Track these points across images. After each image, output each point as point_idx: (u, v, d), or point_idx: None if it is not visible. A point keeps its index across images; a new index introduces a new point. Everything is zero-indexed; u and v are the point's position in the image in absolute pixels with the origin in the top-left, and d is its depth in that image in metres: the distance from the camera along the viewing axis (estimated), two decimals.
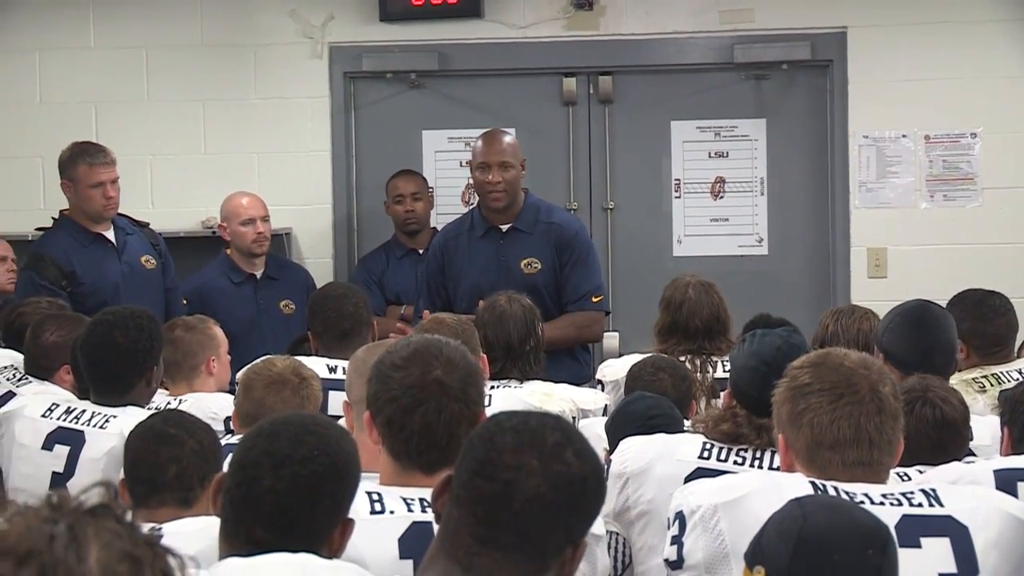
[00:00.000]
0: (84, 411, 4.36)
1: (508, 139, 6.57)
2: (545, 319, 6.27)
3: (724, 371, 5.05)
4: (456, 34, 7.61)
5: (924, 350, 4.49)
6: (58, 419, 4.33)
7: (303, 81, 7.68)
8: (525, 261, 6.42)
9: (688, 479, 3.48)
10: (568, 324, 6.36)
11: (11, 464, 4.28)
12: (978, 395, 4.77)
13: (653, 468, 3.63)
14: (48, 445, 4.27)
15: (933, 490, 3.05)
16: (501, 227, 6.48)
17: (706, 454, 3.61)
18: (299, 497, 2.60)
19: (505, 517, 2.34)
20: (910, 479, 3.47)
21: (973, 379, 4.86)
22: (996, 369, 4.92)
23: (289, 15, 7.65)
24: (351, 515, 2.73)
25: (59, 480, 4.15)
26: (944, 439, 3.80)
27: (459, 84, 7.73)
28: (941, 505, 3.02)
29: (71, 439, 4.28)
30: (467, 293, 6.34)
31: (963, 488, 3.22)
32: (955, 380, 4.87)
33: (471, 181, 6.69)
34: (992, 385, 4.83)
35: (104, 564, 1.64)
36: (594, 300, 6.39)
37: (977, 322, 5.03)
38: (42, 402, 4.44)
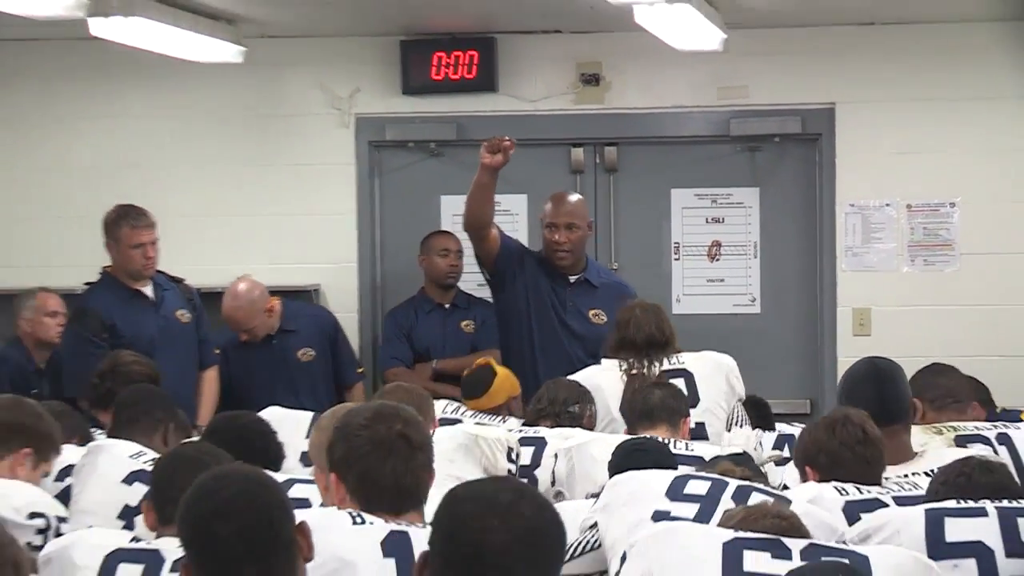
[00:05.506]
0: None
1: (575, 200, 6.98)
2: None
3: (669, 365, 5.75)
4: (473, 106, 8.02)
5: (888, 400, 4.73)
6: (144, 463, 4.54)
7: (331, 149, 8.10)
8: (593, 311, 6.86)
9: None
10: None
11: (85, 489, 4.49)
12: (935, 435, 4.98)
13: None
14: (129, 480, 4.49)
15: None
16: (569, 277, 6.92)
17: None
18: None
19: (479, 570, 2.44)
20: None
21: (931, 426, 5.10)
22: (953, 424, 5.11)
23: (319, 88, 8.09)
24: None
25: (129, 513, 4.40)
26: (868, 455, 4.19)
27: (475, 153, 7.80)
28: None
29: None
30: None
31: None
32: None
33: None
34: (947, 432, 5.03)
35: None
36: None
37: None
38: (133, 446, 4.69)
